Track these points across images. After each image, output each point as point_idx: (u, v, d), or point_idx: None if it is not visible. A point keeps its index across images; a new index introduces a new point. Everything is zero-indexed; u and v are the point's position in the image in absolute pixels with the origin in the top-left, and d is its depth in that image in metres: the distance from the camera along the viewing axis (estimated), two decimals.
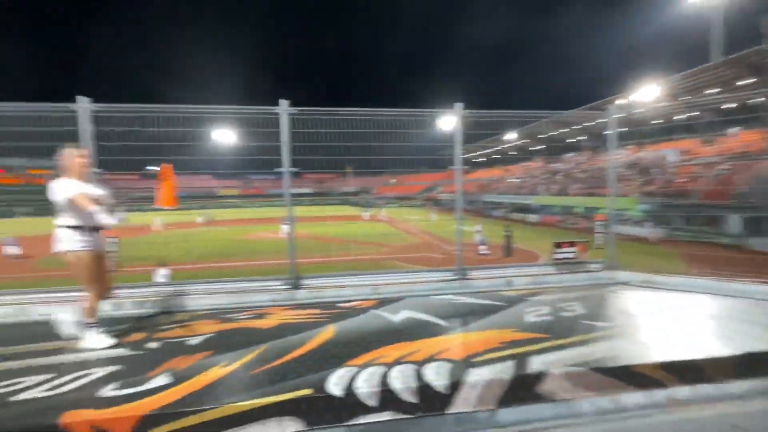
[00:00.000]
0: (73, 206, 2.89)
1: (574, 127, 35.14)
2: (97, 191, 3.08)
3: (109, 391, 2.29)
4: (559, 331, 3.10)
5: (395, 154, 4.36)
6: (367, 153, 4.14)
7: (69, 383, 2.40)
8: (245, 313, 3.79)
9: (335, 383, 2.30)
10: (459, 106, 4.42)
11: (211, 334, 3.23)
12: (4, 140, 3.87)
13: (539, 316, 3.49)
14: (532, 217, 34.26)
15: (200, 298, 4.00)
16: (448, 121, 4.57)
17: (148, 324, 3.52)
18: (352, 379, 2.34)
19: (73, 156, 3.03)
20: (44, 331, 3.38)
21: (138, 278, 5.31)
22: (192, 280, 4.25)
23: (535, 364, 2.50)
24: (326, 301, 4.10)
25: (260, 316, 3.67)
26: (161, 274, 9.44)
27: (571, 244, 5.03)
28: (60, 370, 2.59)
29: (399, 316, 3.59)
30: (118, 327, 3.35)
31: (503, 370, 2.42)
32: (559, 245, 5.00)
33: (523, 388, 2.36)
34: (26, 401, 2.20)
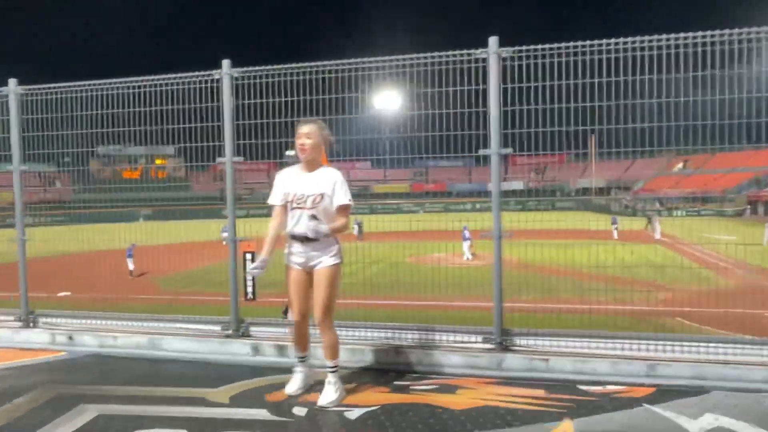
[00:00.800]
0: None
1: None
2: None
3: None
4: None
5: (683, 117, 2.29)
6: (622, 116, 2.34)
7: None
8: (424, 381, 2.55)
9: None
10: None
11: (375, 407, 2.21)
12: None
13: None
14: None
15: (357, 348, 2.81)
16: None
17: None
18: None
19: None
20: None
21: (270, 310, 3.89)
22: (344, 321, 3.01)
23: None
24: (558, 377, 2.41)
25: (447, 389, 2.46)
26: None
27: None
28: None
29: (700, 422, 2.07)
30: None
31: None
32: None
33: None
34: None
